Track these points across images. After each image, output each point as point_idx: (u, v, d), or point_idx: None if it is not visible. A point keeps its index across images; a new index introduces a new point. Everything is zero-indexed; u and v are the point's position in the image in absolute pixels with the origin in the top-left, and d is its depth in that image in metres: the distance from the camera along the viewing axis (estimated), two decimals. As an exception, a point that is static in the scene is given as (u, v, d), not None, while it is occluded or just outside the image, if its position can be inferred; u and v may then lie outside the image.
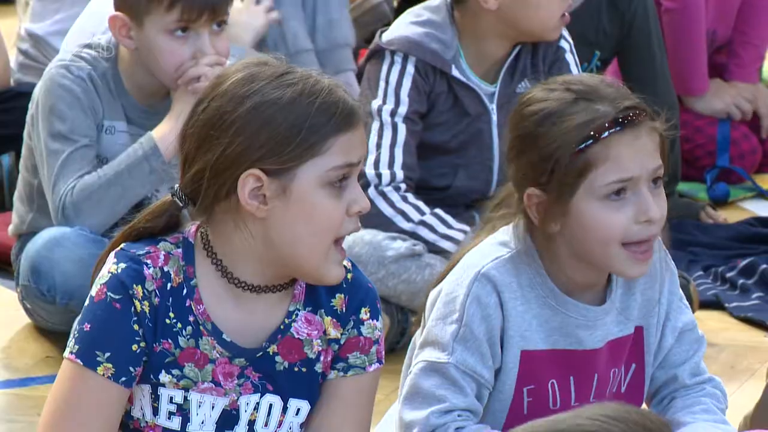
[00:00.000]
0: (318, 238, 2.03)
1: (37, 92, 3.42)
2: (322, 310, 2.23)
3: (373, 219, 3.66)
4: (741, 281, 4.11)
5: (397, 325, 3.63)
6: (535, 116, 2.32)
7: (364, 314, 2.25)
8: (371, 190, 3.72)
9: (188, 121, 2.11)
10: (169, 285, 2.14)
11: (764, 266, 4.00)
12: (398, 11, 5.22)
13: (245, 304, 2.17)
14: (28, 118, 3.41)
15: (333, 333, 2.21)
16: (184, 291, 2.16)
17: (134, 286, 2.10)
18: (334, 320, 2.22)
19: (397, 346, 3.67)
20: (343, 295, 2.23)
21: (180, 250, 2.14)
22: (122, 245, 2.08)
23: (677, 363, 2.48)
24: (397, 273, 3.66)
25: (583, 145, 2.27)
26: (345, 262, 2.23)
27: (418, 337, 2.55)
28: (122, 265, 2.09)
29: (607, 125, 2.25)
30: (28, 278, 3.36)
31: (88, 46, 3.42)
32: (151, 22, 3.24)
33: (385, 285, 3.66)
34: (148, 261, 2.12)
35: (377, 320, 2.28)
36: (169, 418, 2.17)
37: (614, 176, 2.23)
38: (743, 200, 4.82)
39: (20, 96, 4.01)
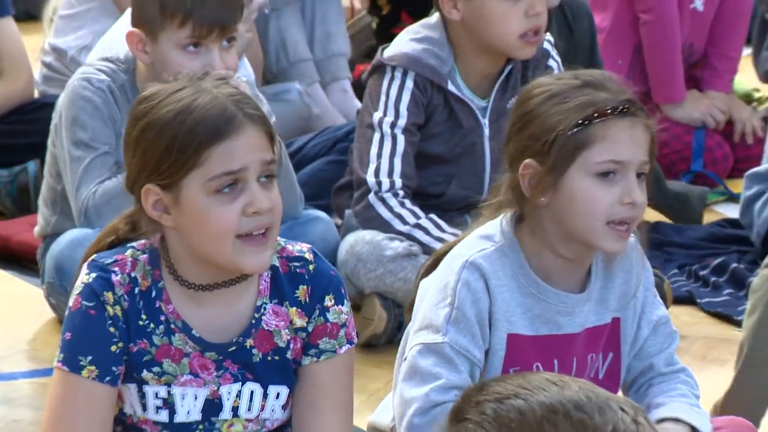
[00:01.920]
0: (216, 240, 2.07)
1: (60, 103, 3.42)
2: (287, 302, 2.25)
3: (374, 222, 3.73)
4: (713, 279, 4.09)
5: (394, 319, 3.64)
6: (542, 95, 2.36)
7: (329, 301, 2.27)
8: (371, 196, 3.76)
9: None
10: (137, 289, 2.17)
11: (734, 265, 4.00)
12: (377, 32, 5.30)
13: (205, 303, 2.21)
14: (51, 127, 3.43)
15: (299, 322, 2.24)
16: (153, 293, 2.19)
17: (104, 293, 2.13)
18: (299, 310, 2.24)
19: (394, 338, 3.63)
20: (305, 286, 2.25)
21: (146, 256, 2.18)
22: (93, 256, 2.13)
23: (653, 353, 2.49)
24: (394, 271, 3.65)
25: (585, 122, 2.33)
26: (307, 254, 2.26)
27: (410, 327, 2.54)
28: (93, 275, 2.13)
29: (609, 110, 2.31)
30: (52, 276, 3.38)
31: (108, 59, 3.44)
32: (164, 38, 3.25)
33: (383, 282, 3.69)
34: (116, 269, 2.16)
35: (342, 305, 2.29)
36: (157, 413, 2.21)
37: (608, 156, 2.28)
38: (715, 203, 4.79)
39: (44, 107, 4.00)
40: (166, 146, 2.02)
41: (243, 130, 2.05)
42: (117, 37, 3.63)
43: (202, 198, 2.03)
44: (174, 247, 2.16)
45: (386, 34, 5.20)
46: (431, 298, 2.44)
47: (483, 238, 2.43)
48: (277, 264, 2.25)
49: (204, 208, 2.04)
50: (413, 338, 2.44)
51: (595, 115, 2.29)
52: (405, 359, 2.51)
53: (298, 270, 2.25)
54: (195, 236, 2.10)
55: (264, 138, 2.09)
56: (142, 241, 2.19)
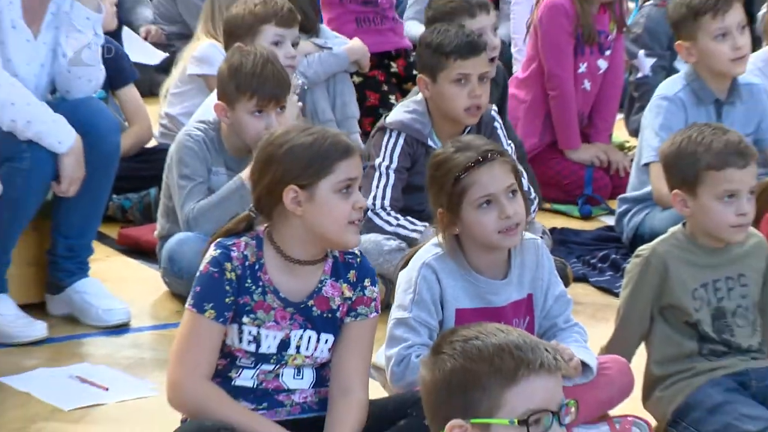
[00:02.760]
0: (336, 223, 2.09)
1: (171, 149, 3.36)
2: (341, 280, 2.22)
3: (372, 228, 3.52)
4: (599, 265, 3.74)
5: (388, 292, 3.36)
6: (435, 163, 2.41)
7: (367, 283, 2.24)
8: (370, 212, 3.48)
9: (254, 163, 2.20)
10: (247, 263, 2.13)
11: (613, 256, 3.86)
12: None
13: (293, 273, 2.16)
14: (165, 165, 3.37)
15: (347, 294, 2.21)
16: (256, 266, 2.15)
17: (225, 263, 2.10)
18: (349, 286, 2.22)
19: (388, 306, 3.44)
20: (354, 271, 2.23)
21: (254, 242, 2.17)
22: (219, 239, 2.14)
23: (555, 316, 2.44)
24: (390, 260, 3.37)
25: (459, 176, 2.31)
26: (357, 252, 2.26)
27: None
28: (218, 251, 2.13)
29: (472, 163, 2.30)
30: (166, 264, 3.34)
31: (202, 122, 3.40)
32: (239, 108, 3.18)
33: (382, 267, 3.37)
34: (234, 248, 2.15)
35: (375, 287, 2.27)
36: (248, 345, 2.15)
37: (481, 193, 2.27)
38: (601, 215, 4.46)
39: (161, 151, 3.85)
40: (308, 160, 2.06)
41: (353, 152, 2.13)
42: (208, 107, 3.55)
43: (330, 195, 2.08)
44: (286, 232, 2.13)
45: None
46: (402, 287, 2.42)
47: (435, 245, 2.43)
48: (337, 255, 2.24)
49: (331, 202, 2.09)
50: (391, 314, 2.42)
51: (464, 169, 2.30)
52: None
53: (350, 260, 2.25)
54: (322, 221, 2.11)
55: (359, 159, 2.21)
56: (252, 233, 2.18)
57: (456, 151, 2.39)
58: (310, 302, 2.16)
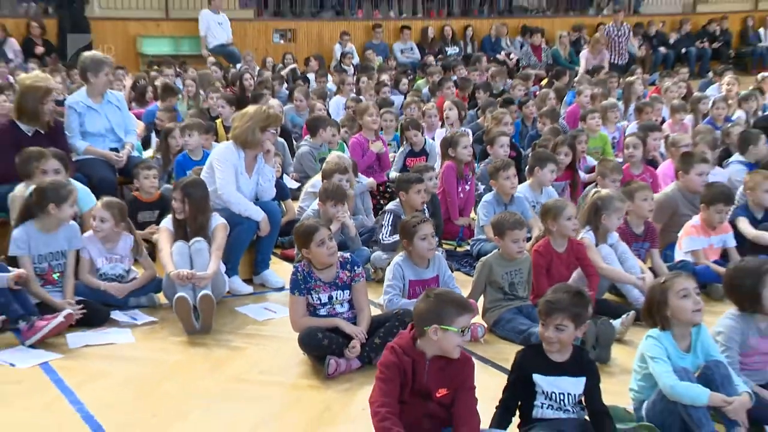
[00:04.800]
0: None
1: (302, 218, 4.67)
2: (344, 269, 3.70)
3: (379, 245, 5.32)
4: (466, 264, 5.58)
5: (383, 275, 4.63)
6: (402, 226, 3.77)
7: (356, 268, 3.72)
8: (377, 239, 5.47)
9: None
10: (305, 271, 3.60)
11: (472, 261, 5.31)
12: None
13: (323, 272, 3.64)
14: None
15: (348, 274, 3.72)
16: (309, 271, 3.62)
17: (298, 273, 3.58)
18: (347, 271, 3.71)
19: (381, 281, 4.73)
20: (348, 264, 3.70)
21: (306, 263, 3.47)
22: (296, 264, 3.05)
23: (449, 281, 4.14)
24: (385, 261, 4.96)
25: (415, 225, 3.91)
26: (349, 258, 3.68)
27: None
28: (294, 269, 3.44)
29: (419, 222, 3.80)
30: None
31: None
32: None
33: (383, 264, 5.04)
34: (299, 266, 3.50)
35: (359, 269, 3.76)
36: (317, 300, 3.75)
37: (424, 232, 3.76)
38: (465, 246, 6.06)
39: (295, 221, 5.13)
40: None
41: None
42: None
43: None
44: (315, 262, 3.50)
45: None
46: (388, 274, 4.07)
47: (400, 255, 4.06)
48: (340, 259, 3.65)
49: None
50: (384, 282, 4.09)
51: (414, 225, 3.81)
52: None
53: (343, 261, 3.68)
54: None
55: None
56: (303, 262, 3.66)
57: (412, 218, 3.89)
58: (336, 280, 3.62)
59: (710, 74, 11.55)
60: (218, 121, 7.46)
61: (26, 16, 11.03)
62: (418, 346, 2.65)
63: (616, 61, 11.91)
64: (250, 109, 4.95)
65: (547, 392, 2.86)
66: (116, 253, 4.61)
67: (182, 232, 4.44)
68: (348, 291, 3.71)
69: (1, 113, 6.04)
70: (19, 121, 5.21)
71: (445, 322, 2.59)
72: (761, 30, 13.74)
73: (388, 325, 3.67)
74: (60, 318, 3.99)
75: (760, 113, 8.23)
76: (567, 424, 2.83)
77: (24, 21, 10.83)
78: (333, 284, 3.73)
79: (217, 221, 4.59)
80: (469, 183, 6.31)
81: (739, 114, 8.16)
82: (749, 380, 3.17)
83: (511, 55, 13.42)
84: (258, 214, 4.93)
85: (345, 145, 6.88)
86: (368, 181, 6.33)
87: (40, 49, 10.90)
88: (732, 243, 5.11)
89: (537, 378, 2.86)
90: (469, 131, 7.20)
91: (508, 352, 3.60)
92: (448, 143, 6.20)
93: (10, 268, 4.08)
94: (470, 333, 3.22)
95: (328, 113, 8.39)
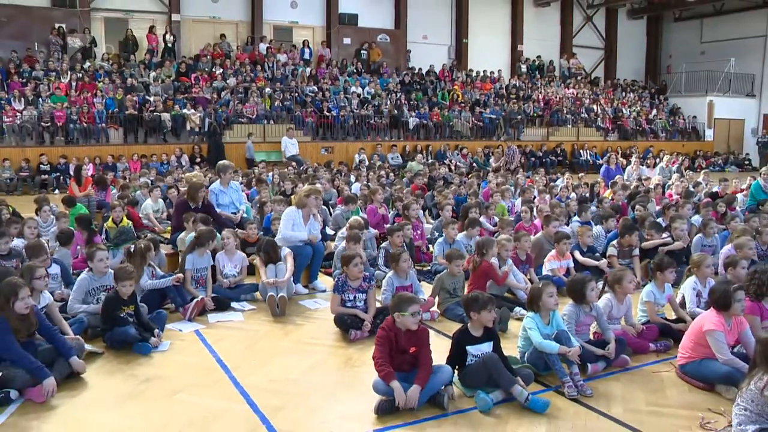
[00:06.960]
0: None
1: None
2: (365, 282, 5.43)
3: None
4: (429, 276, 7.47)
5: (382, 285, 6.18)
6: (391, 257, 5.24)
7: (369, 281, 5.36)
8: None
9: None
10: (343, 279, 5.29)
11: (436, 274, 6.71)
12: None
13: (354, 282, 5.37)
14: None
15: (364, 285, 5.36)
16: (343, 279, 5.40)
17: (341, 282, 5.28)
18: (364, 282, 5.40)
19: (379, 287, 6.27)
20: (366, 280, 5.43)
21: (344, 276, 4.95)
22: (337, 278, 4.40)
23: (418, 289, 5.90)
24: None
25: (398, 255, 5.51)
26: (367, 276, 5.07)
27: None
28: (335, 281, 5.05)
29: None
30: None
31: None
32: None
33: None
34: (342, 277, 5.08)
35: (373, 282, 5.48)
36: (346, 296, 5.55)
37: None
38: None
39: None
40: None
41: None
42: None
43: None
44: (350, 275, 5.03)
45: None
46: (384, 284, 5.92)
47: (391, 272, 5.94)
48: (362, 275, 5.30)
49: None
50: (382, 288, 5.90)
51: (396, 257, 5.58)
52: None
53: (365, 276, 5.27)
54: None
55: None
56: (342, 274, 5.38)
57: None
58: (359, 287, 5.39)
59: (558, 174, 17.33)
60: (292, 197, 10.56)
61: (192, 143, 19.74)
62: (396, 324, 3.88)
63: (509, 167, 18.29)
64: (303, 187, 7.58)
65: (473, 354, 4.17)
66: (234, 262, 7.20)
67: (267, 258, 6.84)
68: (364, 294, 5.46)
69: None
70: (189, 199, 8.40)
71: (401, 310, 3.79)
72: (581, 150, 24.67)
73: (384, 314, 5.11)
74: (193, 303, 6.34)
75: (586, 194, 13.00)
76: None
77: (191, 145, 19.74)
78: (357, 289, 5.49)
79: (285, 251, 6.93)
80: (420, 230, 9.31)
81: (574, 194, 12.65)
82: (579, 339, 4.76)
83: (452, 161, 21.31)
84: (303, 236, 7.23)
85: (360, 210, 10.24)
86: (374, 231, 8.97)
87: (197, 160, 18.88)
88: (572, 265, 7.46)
89: (468, 348, 4.17)
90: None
91: (451, 328, 5.26)
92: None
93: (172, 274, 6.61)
94: (420, 316, 4.23)
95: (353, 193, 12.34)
